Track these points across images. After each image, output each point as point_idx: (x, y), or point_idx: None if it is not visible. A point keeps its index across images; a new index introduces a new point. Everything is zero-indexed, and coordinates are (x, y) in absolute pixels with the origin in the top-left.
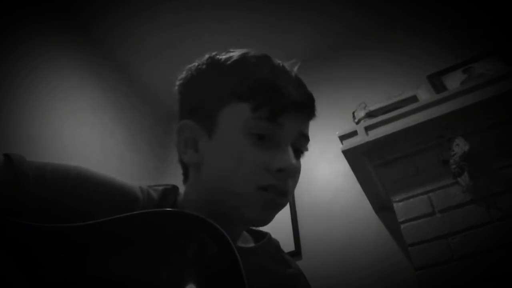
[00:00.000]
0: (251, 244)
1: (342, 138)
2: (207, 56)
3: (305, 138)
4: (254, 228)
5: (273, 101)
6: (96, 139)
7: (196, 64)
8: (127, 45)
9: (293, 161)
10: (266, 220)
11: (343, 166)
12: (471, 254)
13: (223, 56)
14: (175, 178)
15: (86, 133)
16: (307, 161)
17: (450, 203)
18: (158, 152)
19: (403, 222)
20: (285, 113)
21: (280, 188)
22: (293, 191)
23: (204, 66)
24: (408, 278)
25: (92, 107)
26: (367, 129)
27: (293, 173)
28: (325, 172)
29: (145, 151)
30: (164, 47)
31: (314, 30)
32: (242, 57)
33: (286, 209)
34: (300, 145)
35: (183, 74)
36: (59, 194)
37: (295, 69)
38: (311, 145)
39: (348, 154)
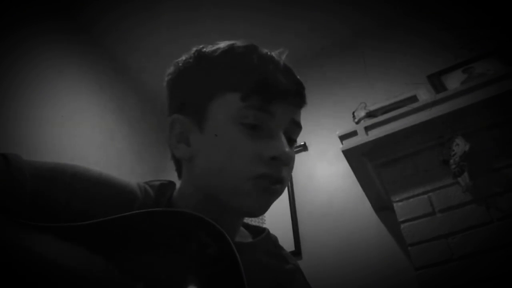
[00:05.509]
0: (249, 240)
1: (342, 138)
2: (194, 49)
3: (297, 126)
4: (252, 224)
5: (263, 90)
6: (96, 138)
7: (183, 58)
8: (127, 44)
9: (287, 148)
10: (262, 209)
11: (343, 166)
12: (471, 254)
13: (210, 49)
14: (175, 175)
15: (86, 132)
16: (307, 161)
17: (450, 203)
18: (157, 149)
19: (403, 222)
20: (276, 101)
21: (274, 176)
22: (288, 179)
23: (191, 60)
24: (408, 278)
25: (92, 106)
26: (367, 129)
27: (287, 160)
28: (325, 172)
29: (144, 149)
30: (164, 46)
31: (314, 29)
32: (229, 48)
33: (286, 209)
34: (292, 133)
35: (171, 69)
36: (56, 193)
37: (283, 57)
38: (311, 145)
39: (348, 154)
